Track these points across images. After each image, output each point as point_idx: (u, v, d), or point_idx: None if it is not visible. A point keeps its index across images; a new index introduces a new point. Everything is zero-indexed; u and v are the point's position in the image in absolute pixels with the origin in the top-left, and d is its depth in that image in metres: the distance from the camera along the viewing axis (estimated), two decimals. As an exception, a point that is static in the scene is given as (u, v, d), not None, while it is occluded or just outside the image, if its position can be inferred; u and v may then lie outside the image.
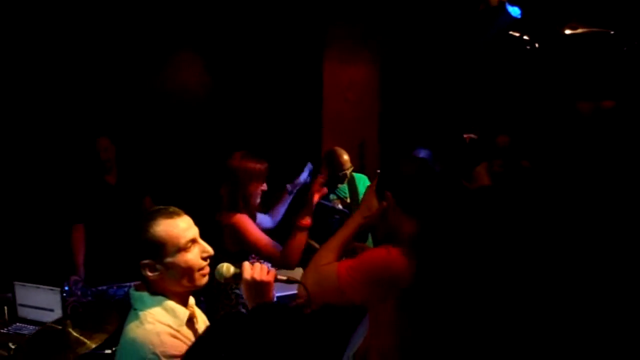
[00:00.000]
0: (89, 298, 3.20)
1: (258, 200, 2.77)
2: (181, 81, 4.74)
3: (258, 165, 2.71)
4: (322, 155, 5.08)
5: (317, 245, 3.82)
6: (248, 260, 2.42)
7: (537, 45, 3.66)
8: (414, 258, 1.53)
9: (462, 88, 4.47)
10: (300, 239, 2.59)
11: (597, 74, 3.29)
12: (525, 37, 3.63)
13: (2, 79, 4.02)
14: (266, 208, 3.07)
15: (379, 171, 2.88)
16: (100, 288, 3.26)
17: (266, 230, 2.85)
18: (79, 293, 3.25)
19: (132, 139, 4.27)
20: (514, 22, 3.59)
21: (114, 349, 2.45)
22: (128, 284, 3.26)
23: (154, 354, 1.43)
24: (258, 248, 2.62)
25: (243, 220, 2.64)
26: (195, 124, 4.67)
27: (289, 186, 3.14)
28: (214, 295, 2.68)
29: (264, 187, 2.76)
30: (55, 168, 4.12)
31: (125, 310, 2.41)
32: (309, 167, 3.17)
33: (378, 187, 1.85)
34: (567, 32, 3.47)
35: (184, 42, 4.70)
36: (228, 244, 2.62)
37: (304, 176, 3.14)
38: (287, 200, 3.16)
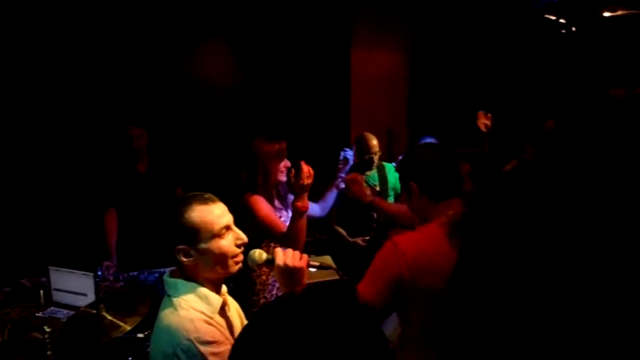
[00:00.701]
0: (121, 283, 3.24)
1: (282, 178, 2.75)
2: (209, 70, 4.75)
3: (273, 144, 2.71)
4: (350, 143, 5.09)
5: (344, 232, 3.82)
6: (261, 245, 2.44)
7: (573, 28, 3.55)
8: (459, 240, 1.50)
9: (494, 74, 4.37)
10: (301, 224, 2.51)
11: (636, 59, 3.17)
12: (562, 21, 3.52)
13: (40, 66, 4.09)
14: (315, 197, 3.07)
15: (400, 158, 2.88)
16: (131, 274, 3.31)
17: (314, 219, 2.91)
18: (111, 278, 3.31)
19: (163, 128, 4.30)
20: (549, 5, 3.48)
21: (146, 332, 2.49)
22: (159, 270, 3.31)
23: (189, 339, 1.42)
24: (266, 225, 2.61)
25: (256, 200, 2.66)
26: (224, 112, 4.68)
27: (339, 181, 3.15)
28: (238, 282, 2.68)
29: (286, 164, 2.75)
30: (89, 155, 4.18)
31: (156, 296, 2.44)
32: (347, 152, 3.15)
33: (401, 179, 1.86)
34: (606, 14, 3.34)
35: (212, 31, 4.70)
36: (245, 228, 2.61)
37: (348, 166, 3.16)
38: (335, 190, 3.16)
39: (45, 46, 4.07)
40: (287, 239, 2.49)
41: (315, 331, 0.76)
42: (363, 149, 3.77)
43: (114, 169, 3.79)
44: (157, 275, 3.34)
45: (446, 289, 1.62)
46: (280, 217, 2.81)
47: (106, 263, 3.52)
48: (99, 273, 3.23)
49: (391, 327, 2.15)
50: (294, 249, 2.02)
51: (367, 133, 3.85)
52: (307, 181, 2.46)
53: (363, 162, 3.78)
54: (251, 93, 4.71)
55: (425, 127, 4.59)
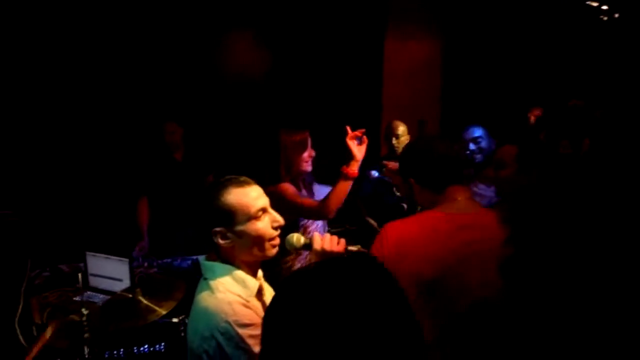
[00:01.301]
0: (155, 269, 3.29)
1: (307, 168, 2.78)
2: (239, 60, 4.75)
3: (296, 134, 2.74)
4: (381, 134, 5.04)
5: (374, 223, 3.79)
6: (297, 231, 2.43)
7: (616, 15, 3.42)
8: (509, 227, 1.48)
9: (530, 63, 4.26)
10: (344, 188, 2.57)
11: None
12: (604, 7, 3.40)
13: (84, 59, 4.18)
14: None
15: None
16: (165, 260, 3.36)
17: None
18: (145, 264, 3.36)
19: (198, 118, 4.34)
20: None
21: (181, 317, 2.51)
22: (192, 257, 3.35)
23: (227, 322, 1.42)
24: (302, 207, 2.63)
25: (285, 187, 2.68)
26: (255, 102, 4.68)
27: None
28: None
29: (310, 153, 2.77)
30: (126, 145, 4.25)
31: (190, 281, 2.46)
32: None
33: (402, 175, 1.90)
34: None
35: (243, 22, 4.71)
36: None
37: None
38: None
39: (87, 37, 4.15)
40: (324, 203, 2.51)
41: (342, 296, 0.76)
42: (390, 136, 3.84)
43: (149, 158, 3.86)
44: (190, 262, 3.38)
45: (436, 275, 1.62)
46: (315, 222, 2.82)
47: (141, 244, 3.60)
48: (134, 254, 3.29)
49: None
50: (328, 213, 1.98)
51: (396, 120, 3.91)
52: (363, 148, 2.59)
53: (392, 150, 3.79)
54: (282, 83, 4.70)
55: (459, 118, 4.51)
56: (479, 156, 3.30)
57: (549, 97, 3.94)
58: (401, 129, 3.85)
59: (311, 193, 2.90)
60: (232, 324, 1.42)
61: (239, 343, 1.40)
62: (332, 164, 2.99)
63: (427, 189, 1.81)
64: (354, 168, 2.57)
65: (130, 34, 4.29)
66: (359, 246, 1.66)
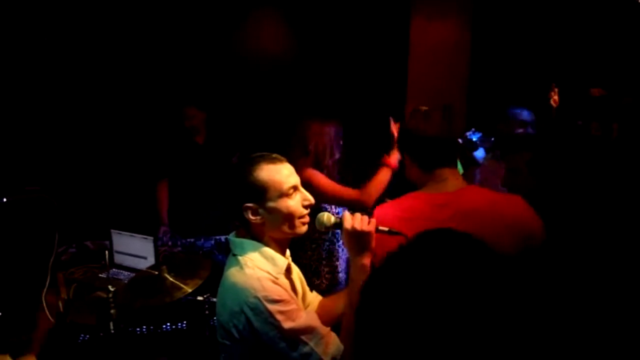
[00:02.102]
0: (179, 248, 3.31)
1: (334, 156, 2.77)
2: (263, 41, 4.72)
3: (326, 124, 2.75)
4: (405, 116, 4.97)
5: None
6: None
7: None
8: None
9: (561, 47, 4.14)
10: (384, 178, 2.58)
11: None
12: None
13: (108, 42, 4.20)
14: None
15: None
16: (188, 240, 3.37)
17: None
18: (169, 243, 3.38)
19: (220, 100, 4.33)
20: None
21: (205, 295, 2.52)
22: (215, 237, 3.36)
23: (256, 297, 1.42)
24: (341, 195, 2.62)
25: (313, 173, 2.67)
26: (279, 83, 4.65)
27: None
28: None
29: (339, 141, 2.78)
30: (151, 127, 4.26)
31: (213, 261, 2.47)
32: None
33: (399, 149, 1.96)
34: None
35: (267, 1, 4.68)
36: None
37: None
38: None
39: (108, 21, 4.16)
40: (364, 192, 2.52)
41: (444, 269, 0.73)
42: None
43: (170, 141, 3.86)
44: (213, 242, 3.39)
45: None
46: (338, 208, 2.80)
47: (163, 228, 3.61)
48: (160, 236, 3.31)
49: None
50: (368, 202, 1.96)
51: (422, 106, 3.77)
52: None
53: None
54: (306, 64, 4.66)
55: (486, 102, 4.42)
56: None
57: (581, 80, 3.84)
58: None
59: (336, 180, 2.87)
60: (262, 299, 1.41)
61: (268, 318, 1.40)
62: (357, 147, 2.97)
63: (417, 166, 1.80)
64: (395, 158, 2.57)
65: (155, 15, 4.29)
66: (389, 226, 1.63)
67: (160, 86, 4.35)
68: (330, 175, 2.77)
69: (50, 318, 2.69)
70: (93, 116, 4.22)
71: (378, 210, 1.80)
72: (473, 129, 3.08)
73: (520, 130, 3.14)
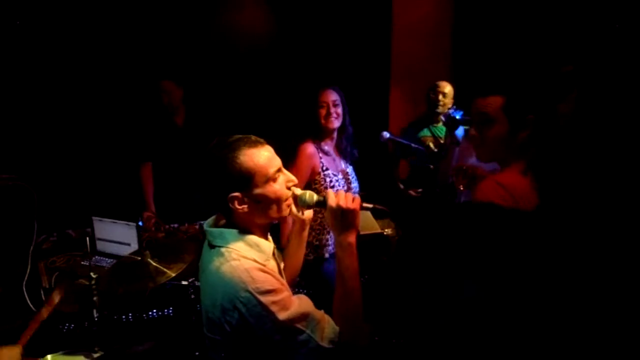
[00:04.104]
0: (162, 234, 3.26)
1: (334, 124, 2.87)
2: (243, 19, 4.62)
3: (332, 92, 2.88)
4: (389, 97, 4.93)
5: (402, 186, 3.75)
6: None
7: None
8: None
9: (548, 22, 4.08)
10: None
11: None
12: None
13: (84, 25, 4.07)
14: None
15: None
16: (172, 225, 3.32)
17: None
18: (153, 229, 3.33)
19: (200, 80, 4.24)
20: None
21: (190, 280, 2.48)
22: (200, 222, 3.31)
23: (247, 291, 1.35)
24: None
25: (302, 148, 2.81)
26: (259, 63, 4.57)
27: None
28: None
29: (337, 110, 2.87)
30: (128, 109, 4.17)
31: (199, 244, 2.42)
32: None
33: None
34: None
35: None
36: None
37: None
38: None
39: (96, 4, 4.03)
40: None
41: None
42: (430, 98, 3.75)
43: (149, 122, 3.77)
44: (197, 227, 3.35)
45: None
46: (333, 182, 2.84)
47: (146, 214, 3.55)
48: (140, 224, 3.25)
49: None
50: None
51: (442, 82, 3.78)
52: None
53: (431, 114, 3.70)
54: (288, 42, 4.57)
55: (472, 79, 4.38)
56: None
57: (573, 56, 3.79)
58: (448, 88, 3.72)
59: (346, 154, 3.02)
60: (253, 292, 1.35)
61: (262, 311, 1.35)
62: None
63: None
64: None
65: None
66: (374, 204, 1.60)
67: (140, 66, 4.24)
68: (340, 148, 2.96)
69: (32, 307, 2.65)
70: (71, 99, 4.11)
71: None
72: (454, 107, 3.03)
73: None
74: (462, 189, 2.02)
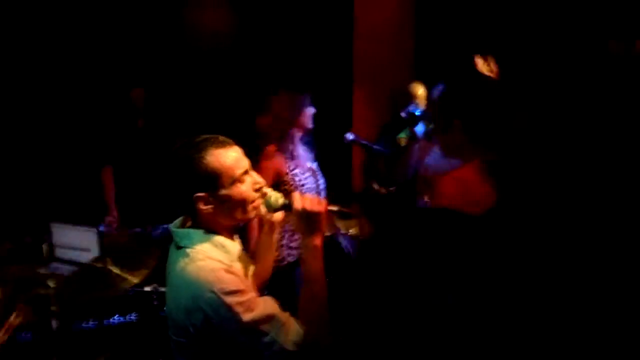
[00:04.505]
0: (125, 239, 3.19)
1: (308, 125, 2.84)
2: (205, 20, 4.57)
3: (297, 95, 2.81)
4: (352, 99, 4.95)
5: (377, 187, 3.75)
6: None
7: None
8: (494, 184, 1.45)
9: (510, 21, 4.16)
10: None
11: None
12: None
13: (41, 25, 3.99)
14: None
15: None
16: (135, 229, 3.26)
17: None
18: (115, 233, 3.25)
19: (160, 81, 4.17)
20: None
21: (153, 285, 2.44)
22: (163, 225, 3.25)
23: (212, 291, 1.34)
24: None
25: (267, 149, 2.75)
26: (221, 65, 4.53)
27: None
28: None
29: (310, 110, 2.83)
30: (89, 112, 4.07)
31: (163, 249, 2.38)
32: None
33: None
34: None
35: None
36: None
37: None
38: None
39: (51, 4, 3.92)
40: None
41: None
42: (407, 99, 3.64)
43: (111, 126, 3.71)
44: (161, 230, 3.29)
45: None
46: (302, 181, 2.81)
47: (108, 219, 3.47)
48: (101, 229, 3.17)
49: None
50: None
51: (416, 83, 3.70)
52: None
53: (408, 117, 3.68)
54: (249, 43, 4.55)
55: (435, 78, 4.44)
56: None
57: (535, 57, 3.87)
58: (421, 91, 3.64)
59: (311, 156, 2.97)
60: (218, 292, 1.34)
61: (227, 312, 1.33)
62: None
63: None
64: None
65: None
66: (339, 206, 1.60)
67: (100, 68, 4.15)
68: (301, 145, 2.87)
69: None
70: (27, 101, 3.98)
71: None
72: (415, 103, 3.05)
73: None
74: (427, 200, 2.03)
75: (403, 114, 2.98)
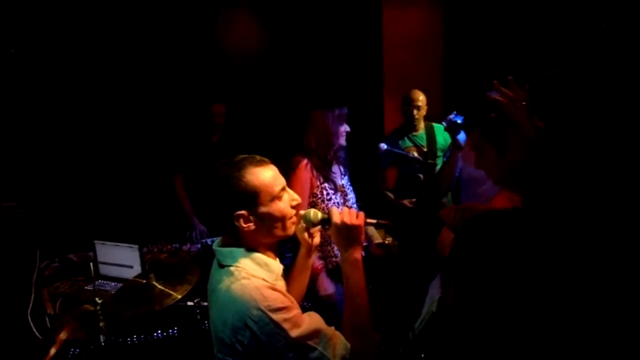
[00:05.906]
0: (165, 255, 3.26)
1: (342, 142, 2.82)
2: (235, 37, 4.64)
3: (334, 110, 2.79)
4: (383, 106, 4.96)
5: (391, 196, 3.74)
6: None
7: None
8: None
9: (538, 30, 4.12)
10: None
11: None
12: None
13: (122, 43, 4.11)
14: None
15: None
16: (174, 245, 3.33)
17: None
18: (155, 250, 3.31)
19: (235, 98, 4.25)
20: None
21: (196, 300, 2.49)
22: (202, 240, 3.32)
23: (259, 309, 1.34)
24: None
25: (299, 162, 2.76)
26: (251, 78, 4.59)
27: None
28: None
29: (345, 128, 2.82)
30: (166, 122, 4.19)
31: (202, 265, 2.42)
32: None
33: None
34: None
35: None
36: None
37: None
38: None
39: (101, 20, 4.05)
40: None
41: None
42: (409, 106, 3.72)
43: (185, 137, 3.85)
44: (200, 245, 3.36)
45: None
46: (330, 195, 2.83)
47: (199, 228, 3.66)
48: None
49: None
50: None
51: (416, 90, 3.77)
52: None
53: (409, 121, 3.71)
54: (280, 58, 4.60)
55: (461, 87, 4.41)
56: None
57: (560, 64, 3.81)
58: (422, 99, 3.71)
59: (346, 171, 2.98)
60: (265, 309, 1.34)
61: (274, 329, 1.34)
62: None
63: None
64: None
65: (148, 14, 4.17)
66: (376, 219, 1.61)
67: (152, 85, 4.24)
68: (338, 161, 2.90)
69: (38, 335, 2.64)
70: (72, 125, 4.10)
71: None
72: (455, 112, 3.03)
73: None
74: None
75: (444, 123, 2.98)
